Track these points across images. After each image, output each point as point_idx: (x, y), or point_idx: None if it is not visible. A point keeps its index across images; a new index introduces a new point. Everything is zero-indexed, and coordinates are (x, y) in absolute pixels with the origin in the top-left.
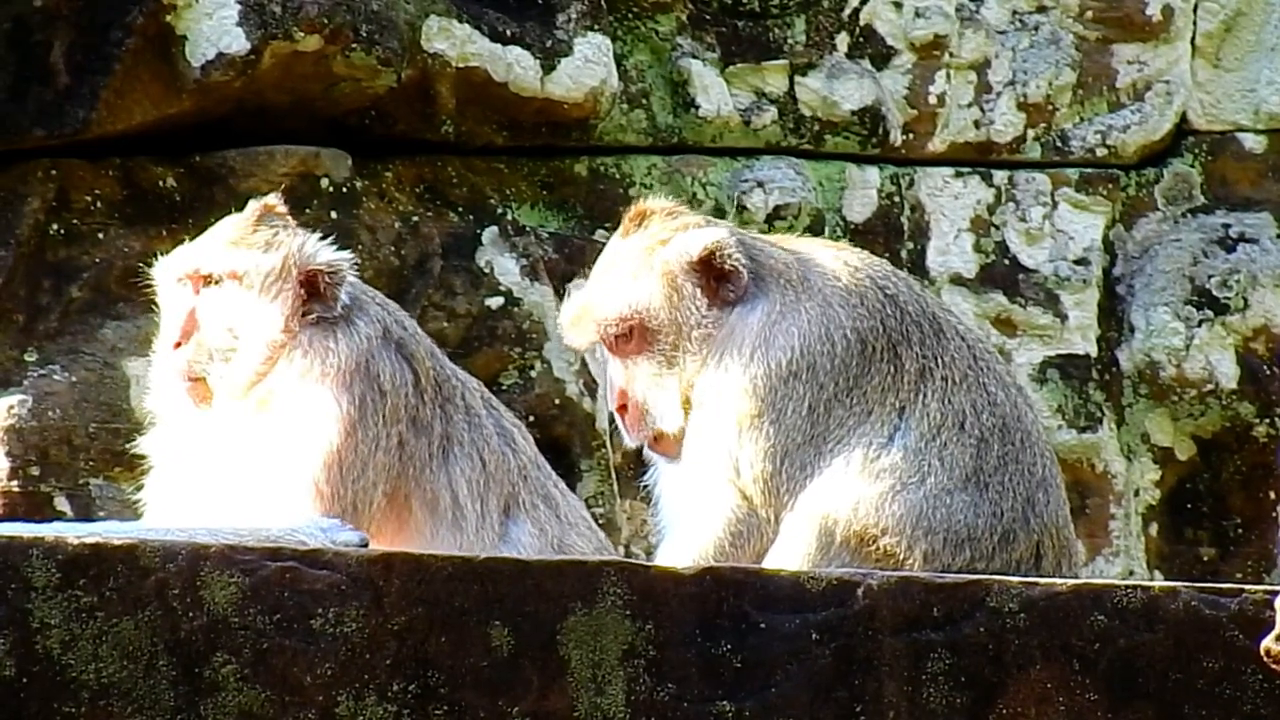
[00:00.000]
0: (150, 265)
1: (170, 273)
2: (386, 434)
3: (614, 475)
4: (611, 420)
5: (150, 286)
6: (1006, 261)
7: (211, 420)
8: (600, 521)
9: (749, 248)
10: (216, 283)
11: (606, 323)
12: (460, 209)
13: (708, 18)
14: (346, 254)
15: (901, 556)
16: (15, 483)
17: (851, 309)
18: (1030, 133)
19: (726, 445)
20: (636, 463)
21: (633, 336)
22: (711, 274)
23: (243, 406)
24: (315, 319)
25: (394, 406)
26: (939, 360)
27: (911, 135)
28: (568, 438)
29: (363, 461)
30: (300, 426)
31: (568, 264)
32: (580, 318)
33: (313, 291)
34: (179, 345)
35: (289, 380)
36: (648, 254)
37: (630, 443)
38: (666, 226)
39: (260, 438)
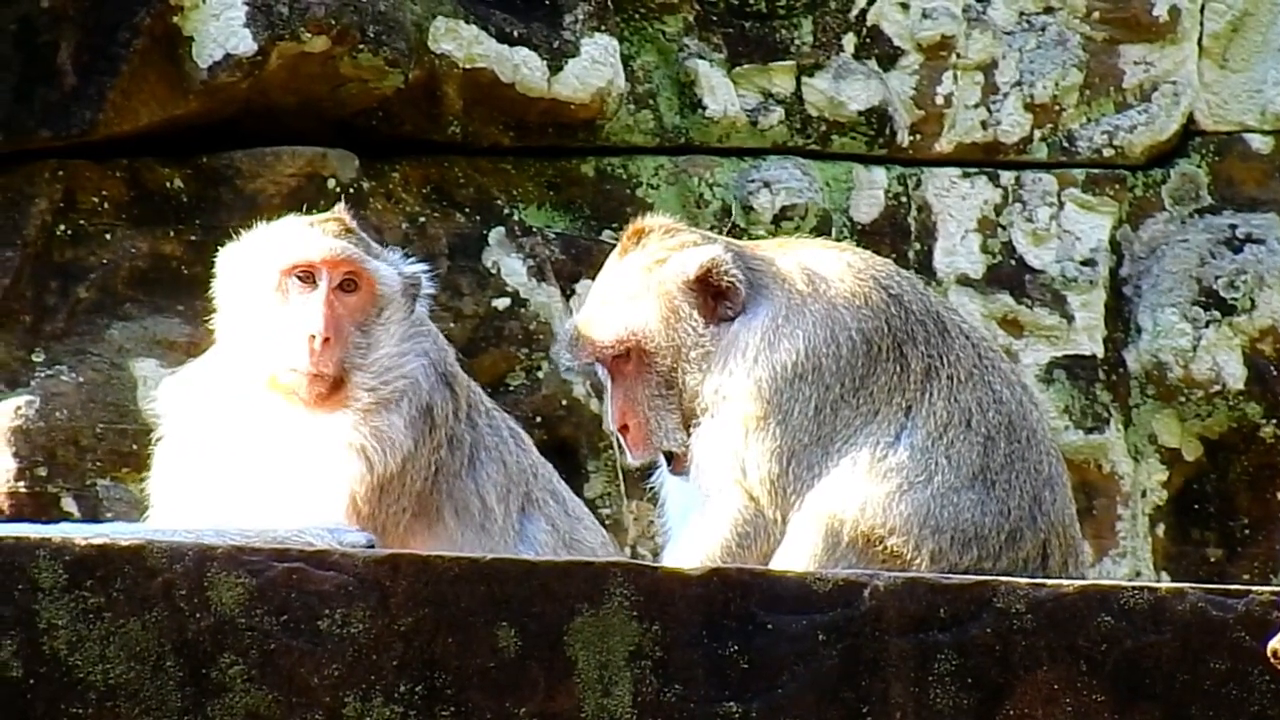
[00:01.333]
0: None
1: (285, 262)
2: (428, 463)
3: (621, 476)
4: None
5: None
6: (1013, 262)
7: (259, 415)
8: (607, 522)
9: (747, 260)
10: (354, 285)
11: (604, 345)
12: (467, 209)
13: (715, 18)
14: (423, 265)
15: (908, 556)
16: (22, 483)
17: (856, 310)
18: (1037, 133)
19: (733, 447)
20: (642, 464)
21: (631, 358)
22: (709, 292)
23: (302, 410)
24: (412, 333)
25: (440, 438)
26: (944, 359)
27: (918, 136)
28: (574, 439)
29: (403, 487)
30: (360, 449)
31: (574, 264)
32: (578, 339)
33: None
34: (328, 341)
35: (377, 397)
36: (645, 274)
37: (631, 461)
38: (664, 245)
39: (314, 443)
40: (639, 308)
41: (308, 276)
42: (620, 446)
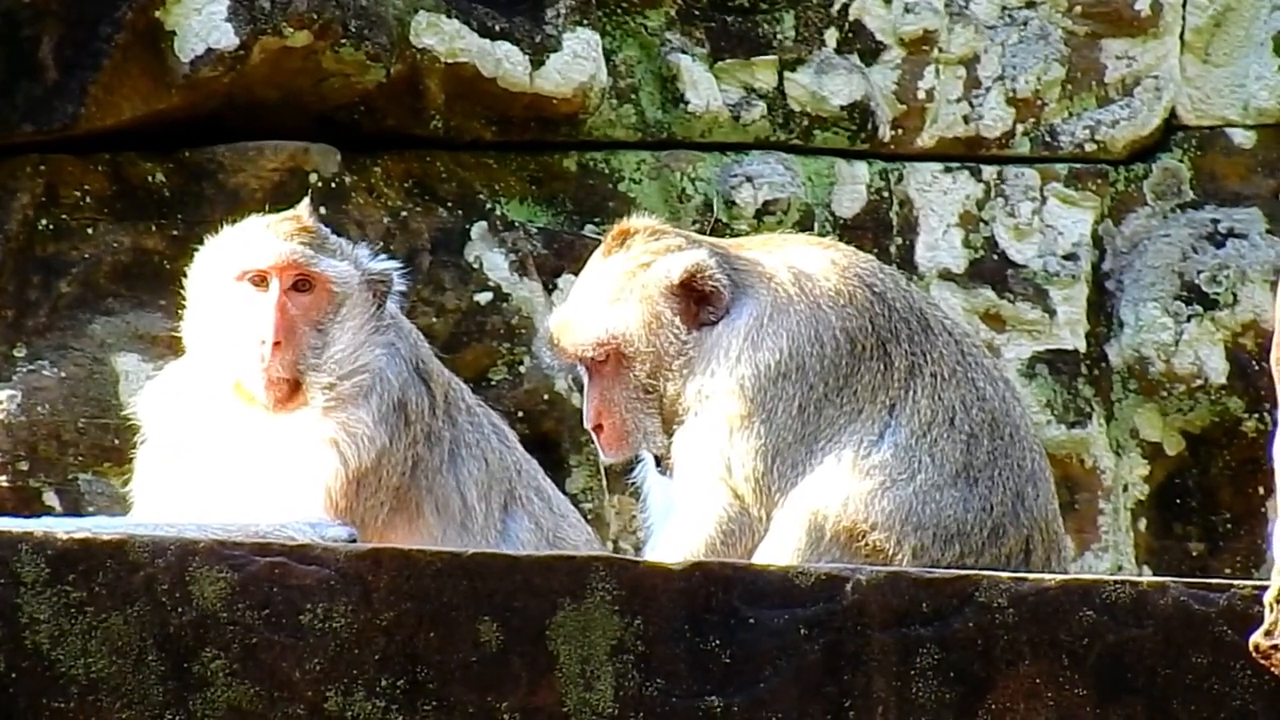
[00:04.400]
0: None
1: (236, 268)
2: (404, 458)
3: (603, 471)
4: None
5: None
6: (995, 257)
7: (233, 418)
8: (589, 517)
9: (732, 262)
10: (307, 285)
11: (584, 346)
12: (449, 204)
13: (697, 13)
14: (394, 262)
15: (891, 552)
16: (4, 478)
17: (840, 309)
18: (1019, 128)
19: (717, 444)
20: (623, 460)
21: (610, 360)
22: (692, 297)
23: (262, 410)
24: (373, 328)
25: (415, 433)
26: (928, 357)
27: (900, 130)
28: (556, 433)
29: (379, 482)
30: (332, 444)
31: (556, 259)
32: (558, 339)
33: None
34: (279, 345)
35: (337, 393)
36: (627, 278)
37: (605, 460)
38: (648, 248)
39: (287, 442)
40: (620, 312)
41: (260, 281)
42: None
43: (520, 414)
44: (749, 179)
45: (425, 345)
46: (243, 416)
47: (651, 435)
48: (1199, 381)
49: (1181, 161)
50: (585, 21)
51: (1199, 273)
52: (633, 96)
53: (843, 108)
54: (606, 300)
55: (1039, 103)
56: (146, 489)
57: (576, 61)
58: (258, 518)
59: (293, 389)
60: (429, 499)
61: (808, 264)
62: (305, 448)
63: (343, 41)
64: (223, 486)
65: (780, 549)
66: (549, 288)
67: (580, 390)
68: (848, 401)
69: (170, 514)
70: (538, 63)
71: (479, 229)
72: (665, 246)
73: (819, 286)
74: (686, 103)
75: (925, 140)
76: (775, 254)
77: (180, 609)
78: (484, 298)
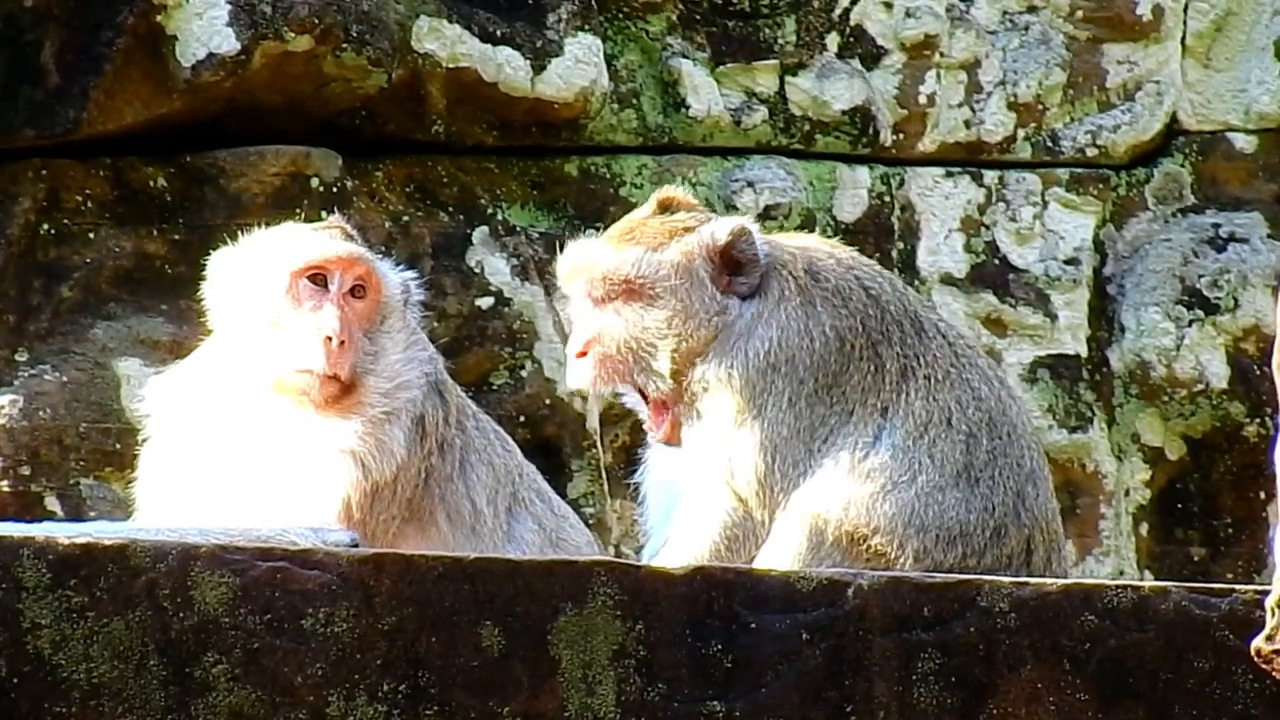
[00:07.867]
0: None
1: (296, 263)
2: (418, 470)
3: (604, 475)
4: (602, 421)
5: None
6: (997, 261)
7: (254, 417)
8: (590, 521)
9: (765, 242)
10: (362, 291)
11: (612, 277)
12: (450, 209)
13: (698, 18)
14: (411, 272)
15: (892, 555)
16: (6, 483)
17: (834, 309)
18: (1020, 133)
19: (716, 439)
20: (627, 462)
21: (625, 296)
22: (728, 265)
23: (305, 412)
24: (413, 341)
25: (430, 445)
26: (921, 359)
27: (902, 135)
28: (558, 438)
29: (393, 495)
30: (354, 454)
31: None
32: (582, 264)
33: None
34: (344, 344)
35: (390, 404)
36: (669, 234)
37: (571, 386)
38: (694, 215)
39: (309, 446)
40: (658, 256)
41: (319, 279)
42: (569, 367)
43: (521, 419)
44: (750, 184)
45: (436, 359)
46: (268, 415)
47: (652, 378)
48: (1200, 386)
49: (1183, 166)
50: (586, 26)
51: (1200, 277)
52: (634, 101)
53: (844, 112)
54: (645, 245)
55: (1040, 107)
56: (151, 487)
57: (578, 66)
58: (260, 522)
59: (343, 391)
60: (441, 508)
61: (813, 261)
62: (330, 454)
63: (344, 46)
64: (235, 485)
65: (781, 553)
66: (550, 292)
67: (583, 396)
68: (838, 401)
69: (173, 515)
70: (539, 68)
71: (480, 234)
72: (709, 216)
73: (819, 284)
74: (688, 107)
75: (926, 145)
76: (789, 247)
77: (182, 614)
78: (485, 303)
